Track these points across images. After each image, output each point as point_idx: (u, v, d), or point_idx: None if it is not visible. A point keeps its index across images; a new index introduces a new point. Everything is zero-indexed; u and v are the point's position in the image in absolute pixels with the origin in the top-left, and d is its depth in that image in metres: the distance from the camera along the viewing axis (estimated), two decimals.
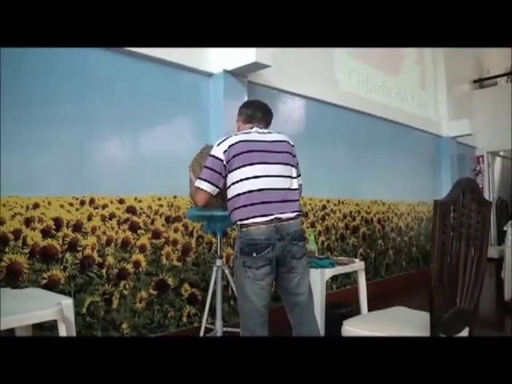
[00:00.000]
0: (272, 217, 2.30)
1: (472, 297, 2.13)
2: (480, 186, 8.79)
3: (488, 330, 4.25)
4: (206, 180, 2.38)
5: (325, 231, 4.99)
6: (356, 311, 3.40)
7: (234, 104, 3.96)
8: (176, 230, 3.65)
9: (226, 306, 3.78)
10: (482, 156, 9.22)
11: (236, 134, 2.48)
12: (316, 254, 3.39)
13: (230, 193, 2.38)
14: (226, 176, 2.38)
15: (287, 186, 2.43)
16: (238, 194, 2.34)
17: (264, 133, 2.58)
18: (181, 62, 3.70)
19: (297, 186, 2.51)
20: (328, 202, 5.06)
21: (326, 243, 4.98)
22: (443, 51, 7.80)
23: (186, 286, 3.69)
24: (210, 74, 3.96)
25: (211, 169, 2.38)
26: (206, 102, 3.97)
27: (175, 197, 3.65)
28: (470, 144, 8.76)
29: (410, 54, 7.16)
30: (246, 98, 4.07)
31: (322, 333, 2.84)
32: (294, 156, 2.60)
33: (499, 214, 8.90)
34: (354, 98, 5.65)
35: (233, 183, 2.36)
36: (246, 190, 2.32)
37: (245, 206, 2.32)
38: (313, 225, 4.82)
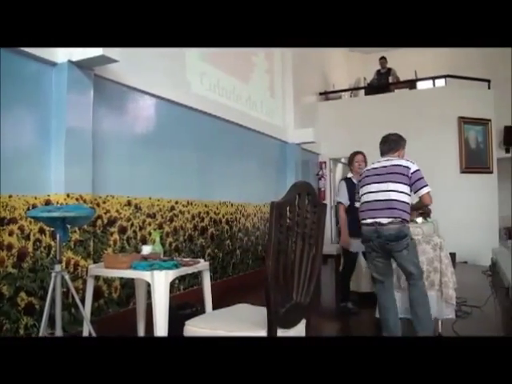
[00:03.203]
0: (372, 220, 3.49)
1: (308, 291, 2.26)
2: (322, 189, 9.42)
3: (326, 320, 4.58)
4: None
5: (173, 232, 4.96)
6: (201, 311, 3.42)
7: (78, 98, 3.77)
8: (11, 233, 3.33)
9: (67, 315, 3.54)
10: (325, 162, 9.89)
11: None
12: (161, 256, 3.34)
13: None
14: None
15: (389, 198, 3.46)
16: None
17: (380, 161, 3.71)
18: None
19: (399, 198, 3.45)
20: (177, 203, 5.04)
21: (173, 244, 4.96)
22: (292, 63, 8.24)
23: (23, 294, 3.37)
24: (53, 64, 3.68)
25: None
26: (48, 94, 3.68)
27: (10, 196, 3.34)
28: (314, 151, 9.36)
29: (260, 62, 7.44)
30: (91, 93, 3.88)
31: (165, 333, 2.82)
32: (406, 175, 3.48)
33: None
34: (205, 100, 5.71)
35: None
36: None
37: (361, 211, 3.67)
38: (160, 226, 4.77)
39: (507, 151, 11.35)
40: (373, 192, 3.55)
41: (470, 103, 9.29)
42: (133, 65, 4.35)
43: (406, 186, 3.48)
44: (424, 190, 3.48)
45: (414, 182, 3.48)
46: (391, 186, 3.48)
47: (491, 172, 9.44)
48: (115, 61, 3.78)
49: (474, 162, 9.20)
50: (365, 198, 3.61)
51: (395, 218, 3.42)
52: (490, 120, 9.43)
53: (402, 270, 3.62)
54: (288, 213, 2.02)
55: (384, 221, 3.42)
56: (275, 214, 1.92)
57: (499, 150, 10.76)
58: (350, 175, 5.02)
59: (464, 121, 9.16)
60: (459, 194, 8.49)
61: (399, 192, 3.46)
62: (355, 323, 4.70)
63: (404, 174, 3.49)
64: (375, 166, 3.68)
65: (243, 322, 2.23)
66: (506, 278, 5.88)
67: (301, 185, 2.17)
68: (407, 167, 3.50)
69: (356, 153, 5.05)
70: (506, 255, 7.91)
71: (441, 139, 8.77)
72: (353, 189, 4.76)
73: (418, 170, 3.49)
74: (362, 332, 4.34)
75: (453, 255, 6.52)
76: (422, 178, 3.49)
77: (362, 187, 3.70)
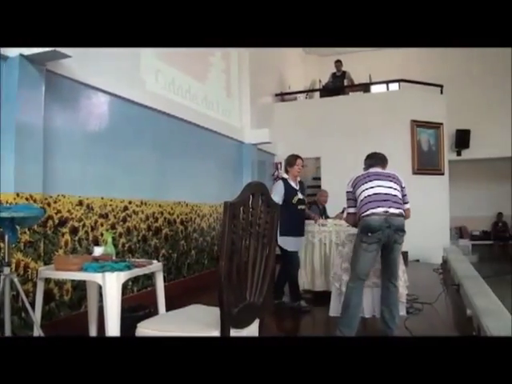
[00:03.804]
0: (384, 210, 3.57)
1: (261, 291, 2.27)
2: None
3: (280, 319, 4.63)
4: None
5: (126, 233, 4.87)
6: (154, 312, 3.38)
7: (29, 93, 3.64)
8: None
9: (16, 319, 3.38)
10: (280, 163, 9.91)
11: None
12: (113, 257, 3.27)
13: None
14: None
15: (394, 194, 3.69)
16: None
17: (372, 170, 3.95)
18: None
19: (400, 196, 3.72)
20: (130, 203, 4.95)
21: (127, 245, 4.87)
22: (248, 64, 8.25)
23: None
24: (4, 58, 3.53)
25: None
26: None
27: None
28: (270, 151, 9.40)
29: (217, 62, 7.42)
30: (43, 89, 3.75)
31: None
32: (400, 184, 3.82)
33: None
34: (160, 99, 5.64)
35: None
36: None
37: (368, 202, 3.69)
38: (113, 226, 4.67)
39: (458, 154, 11.77)
40: (380, 186, 3.71)
41: (422, 107, 9.55)
42: (86, 60, 4.22)
43: (401, 192, 3.80)
44: (408, 205, 3.85)
45: (403, 195, 3.80)
46: (394, 185, 3.76)
47: (442, 174, 9.73)
48: (68, 56, 3.68)
49: (425, 163, 9.47)
50: (373, 191, 3.69)
51: (402, 211, 3.65)
52: (441, 123, 9.73)
53: (389, 266, 3.74)
54: (242, 213, 2.02)
55: (395, 211, 3.59)
56: (229, 215, 1.92)
57: (451, 152, 11.14)
58: (285, 176, 5.09)
59: (417, 124, 9.41)
60: (411, 195, 8.62)
61: (400, 192, 3.76)
62: (309, 322, 4.75)
63: (400, 182, 3.83)
64: (370, 171, 3.90)
65: (196, 322, 2.22)
66: (456, 275, 6.07)
67: (255, 185, 2.17)
68: (400, 180, 3.87)
69: (298, 156, 5.11)
70: (456, 253, 8.19)
71: (394, 141, 8.96)
72: (289, 189, 4.89)
73: (405, 187, 3.87)
74: (316, 331, 4.39)
75: (405, 254, 6.68)
76: (407, 194, 3.87)
77: (362, 185, 3.78)
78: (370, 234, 3.56)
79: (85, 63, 4.23)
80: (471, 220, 13.38)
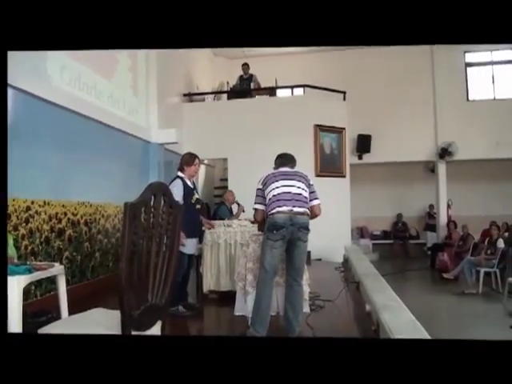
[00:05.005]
0: (288, 208, 3.71)
1: (163, 292, 2.27)
2: None
3: (179, 320, 4.60)
4: None
5: (28, 234, 4.67)
6: (57, 317, 3.31)
7: None
8: None
9: None
10: None
11: None
12: (15, 260, 3.15)
13: None
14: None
15: (300, 193, 3.83)
16: None
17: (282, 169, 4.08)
18: None
19: (306, 196, 3.86)
20: (32, 203, 4.75)
21: (29, 247, 4.68)
22: (156, 62, 8.16)
23: None
24: None
25: None
26: None
27: None
28: (177, 151, 9.34)
29: (123, 59, 7.28)
30: None
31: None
32: (307, 182, 3.97)
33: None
34: (65, 95, 5.46)
35: None
36: None
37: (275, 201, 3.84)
38: (16, 228, 4.46)
39: (360, 158, 12.36)
40: (286, 186, 3.84)
41: (326, 112, 9.93)
42: None
43: (308, 190, 3.93)
44: (317, 201, 4.00)
45: (311, 192, 3.95)
46: (300, 184, 3.89)
47: (344, 176, 10.17)
48: None
49: (328, 166, 9.82)
50: (279, 190, 3.82)
51: (306, 209, 3.80)
52: (344, 128, 10.16)
53: (294, 264, 3.87)
54: (143, 214, 2.01)
55: (300, 210, 3.74)
56: (129, 215, 1.90)
57: (352, 156, 11.66)
58: (181, 175, 4.90)
59: (320, 128, 9.74)
60: None
61: (305, 191, 3.88)
62: (214, 322, 4.80)
63: (307, 181, 3.98)
64: (279, 170, 4.05)
65: (97, 326, 2.18)
66: (356, 273, 6.39)
67: (156, 185, 2.17)
68: (307, 177, 4.03)
69: (196, 156, 5.01)
70: (357, 252, 8.61)
71: (298, 144, 9.14)
72: (187, 188, 4.77)
73: (313, 184, 4.02)
74: (221, 331, 4.46)
75: (308, 253, 6.92)
76: (316, 191, 4.01)
77: (271, 184, 3.89)
78: (275, 232, 3.70)
79: None
80: (372, 220, 14.09)
